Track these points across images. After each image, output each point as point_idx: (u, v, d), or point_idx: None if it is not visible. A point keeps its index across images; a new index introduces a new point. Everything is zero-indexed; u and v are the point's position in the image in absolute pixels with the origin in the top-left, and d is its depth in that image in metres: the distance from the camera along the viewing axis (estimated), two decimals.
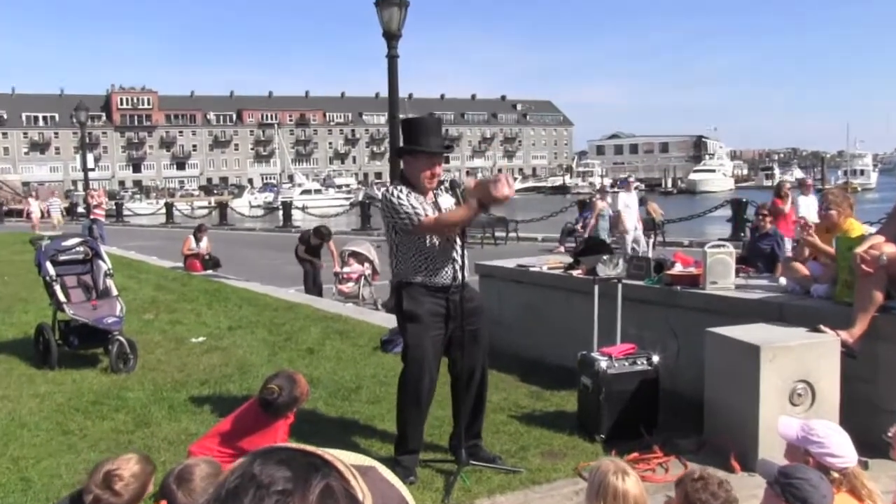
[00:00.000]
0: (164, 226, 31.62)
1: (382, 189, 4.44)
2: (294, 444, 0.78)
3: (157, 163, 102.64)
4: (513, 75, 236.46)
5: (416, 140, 4.04)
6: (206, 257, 13.90)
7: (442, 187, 4.14)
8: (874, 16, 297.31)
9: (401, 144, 4.28)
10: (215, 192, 75.00)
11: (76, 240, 7.35)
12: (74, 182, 75.37)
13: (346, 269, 10.90)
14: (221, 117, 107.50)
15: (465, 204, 3.93)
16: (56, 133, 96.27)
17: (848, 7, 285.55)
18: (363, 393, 5.58)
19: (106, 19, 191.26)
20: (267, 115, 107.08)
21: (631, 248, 13.45)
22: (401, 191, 3.99)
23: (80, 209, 33.47)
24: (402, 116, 4.66)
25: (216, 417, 4.81)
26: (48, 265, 6.74)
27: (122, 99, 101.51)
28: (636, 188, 21.93)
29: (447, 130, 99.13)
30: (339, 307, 9.52)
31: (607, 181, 55.14)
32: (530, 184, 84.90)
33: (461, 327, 3.97)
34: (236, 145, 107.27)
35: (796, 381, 3.95)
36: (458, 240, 4.06)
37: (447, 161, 4.33)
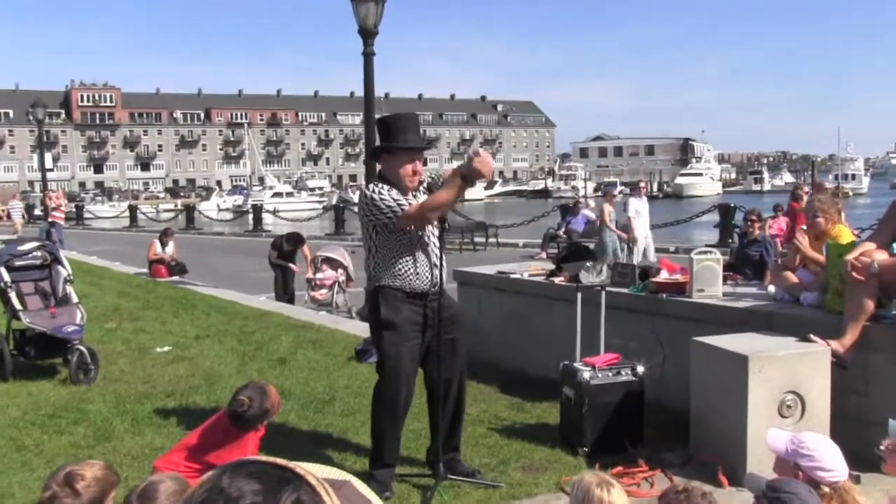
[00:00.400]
0: (128, 229, 31.02)
1: (359, 191, 4.30)
2: (265, 458, 0.76)
3: (120, 163, 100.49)
4: (493, 75, 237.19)
5: (393, 137, 3.96)
6: (172, 263, 13.63)
7: (421, 188, 4.06)
8: (867, 19, 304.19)
9: (377, 144, 4.16)
10: (182, 194, 73.85)
11: (33, 244, 7.17)
12: (31, 183, 73.49)
13: (319, 276, 10.69)
14: (189, 116, 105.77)
15: (450, 183, 3.78)
16: (10, 131, 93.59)
17: (841, 10, 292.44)
18: (337, 405, 5.49)
19: (65, 10, 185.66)
20: (236, 115, 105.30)
21: (641, 256, 13.00)
22: (381, 188, 3.88)
23: (38, 211, 32.65)
24: (377, 116, 4.53)
25: (182, 431, 4.70)
26: (2, 271, 6.53)
27: (82, 95, 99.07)
28: (622, 192, 21.91)
29: (425, 131, 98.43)
30: (311, 315, 9.41)
31: (591, 185, 54.69)
32: (511, 187, 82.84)
33: (438, 336, 3.87)
34: (204, 145, 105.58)
35: (785, 393, 3.90)
36: (436, 242, 3.96)
37: (425, 163, 4.21)
